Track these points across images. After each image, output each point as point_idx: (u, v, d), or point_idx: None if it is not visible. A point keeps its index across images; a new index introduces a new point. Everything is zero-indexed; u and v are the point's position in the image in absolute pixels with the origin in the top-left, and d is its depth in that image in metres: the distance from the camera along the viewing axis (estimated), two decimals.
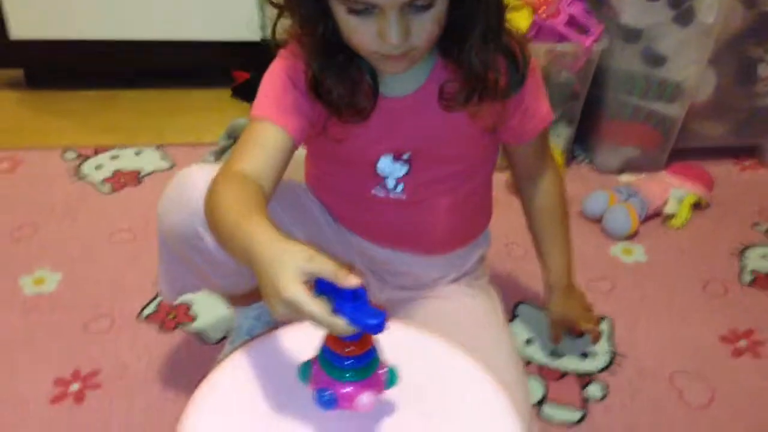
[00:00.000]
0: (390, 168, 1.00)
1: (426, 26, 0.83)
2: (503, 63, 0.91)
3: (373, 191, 1.02)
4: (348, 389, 0.70)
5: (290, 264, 0.65)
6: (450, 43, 0.89)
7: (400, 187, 1.01)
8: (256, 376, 0.77)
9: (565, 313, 1.19)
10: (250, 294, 1.12)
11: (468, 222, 1.11)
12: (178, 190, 0.96)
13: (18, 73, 2.03)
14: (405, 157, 0.98)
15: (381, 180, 1.01)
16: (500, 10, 0.88)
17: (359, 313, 0.64)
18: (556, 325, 1.21)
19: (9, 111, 1.95)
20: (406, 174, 1.00)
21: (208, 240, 0.93)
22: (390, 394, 0.74)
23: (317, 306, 0.63)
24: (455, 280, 1.13)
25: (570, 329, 1.22)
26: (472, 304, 1.11)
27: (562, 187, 1.14)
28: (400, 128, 0.97)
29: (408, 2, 0.80)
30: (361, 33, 0.84)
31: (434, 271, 1.12)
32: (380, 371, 0.73)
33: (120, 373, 1.22)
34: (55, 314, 1.32)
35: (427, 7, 0.82)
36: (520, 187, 1.13)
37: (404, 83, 0.94)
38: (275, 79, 0.93)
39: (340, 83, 0.90)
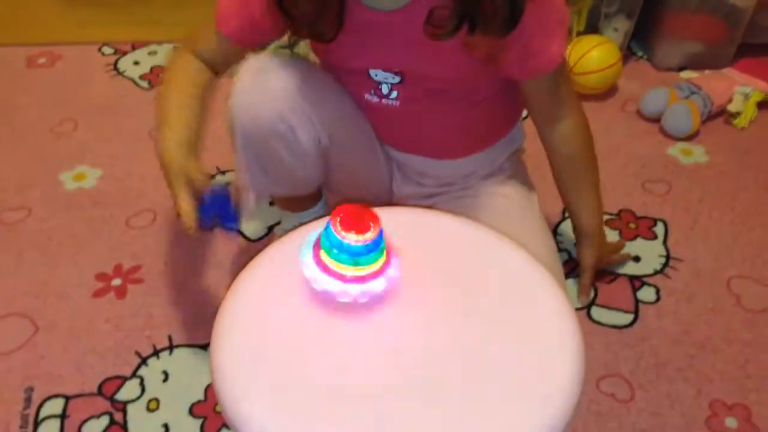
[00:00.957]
0: (383, 75, 0.95)
1: None
2: None
3: (366, 96, 0.98)
4: (346, 276, 0.69)
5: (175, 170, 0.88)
6: None
7: (394, 94, 0.96)
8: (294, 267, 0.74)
9: (596, 261, 1.13)
10: (309, 197, 1.11)
11: (476, 130, 1.04)
12: (254, 81, 0.92)
13: None
14: (395, 70, 0.94)
15: (375, 85, 0.96)
16: None
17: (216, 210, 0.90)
18: (588, 273, 1.14)
19: (44, 5, 1.90)
20: (399, 83, 0.95)
21: (294, 122, 0.92)
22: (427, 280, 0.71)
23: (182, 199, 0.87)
24: (487, 177, 1.09)
25: (601, 272, 1.18)
26: (504, 198, 1.07)
27: (586, 133, 1.04)
28: (385, 45, 0.91)
29: None
30: None
31: (458, 171, 1.08)
32: (386, 265, 0.71)
33: (161, 269, 1.21)
34: (97, 209, 1.31)
35: None
36: (540, 133, 1.04)
37: None
38: None
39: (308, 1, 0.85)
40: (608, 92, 1.59)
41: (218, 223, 0.93)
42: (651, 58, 1.70)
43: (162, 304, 1.15)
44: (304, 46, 1.01)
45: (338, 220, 0.69)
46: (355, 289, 0.70)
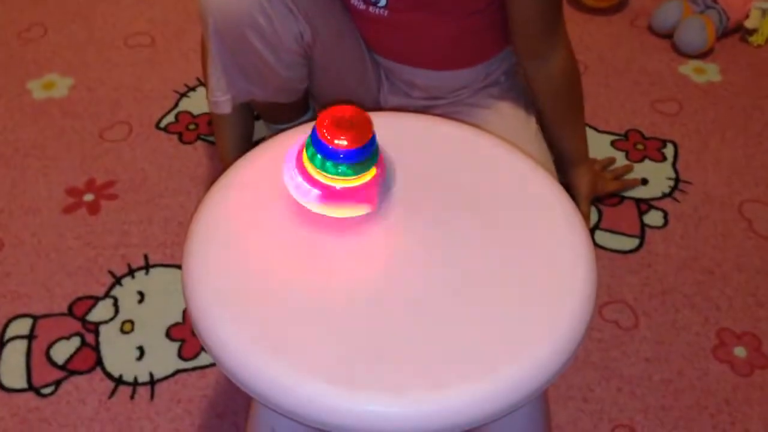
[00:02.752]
0: None
1: None
2: None
3: (353, 1, 0.90)
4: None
5: None
6: None
7: (382, 1, 0.88)
8: (265, 182, 0.67)
9: (590, 186, 1.05)
10: (295, 107, 1.03)
11: (469, 43, 0.96)
12: None
13: None
14: None
15: None
16: None
17: None
18: (584, 202, 1.05)
19: None
20: None
21: (273, 13, 0.84)
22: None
23: None
24: (480, 91, 1.01)
25: (600, 198, 1.11)
26: (497, 113, 0.99)
27: (575, 72, 0.96)
28: None
29: None
30: None
31: (449, 83, 1.00)
32: (379, 175, 0.63)
33: (137, 184, 1.13)
34: (68, 120, 1.22)
35: None
36: (525, 68, 0.95)
37: None
38: None
39: None
40: (618, 6, 1.49)
41: None
42: None
43: (138, 221, 1.08)
44: None
45: (325, 123, 0.61)
46: (344, 202, 0.63)
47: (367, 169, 0.63)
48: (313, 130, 0.62)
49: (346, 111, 0.62)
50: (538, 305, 0.59)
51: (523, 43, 0.93)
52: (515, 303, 0.59)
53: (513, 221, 0.66)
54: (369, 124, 0.62)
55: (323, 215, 0.63)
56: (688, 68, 1.38)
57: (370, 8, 0.90)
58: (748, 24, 1.42)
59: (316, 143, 0.61)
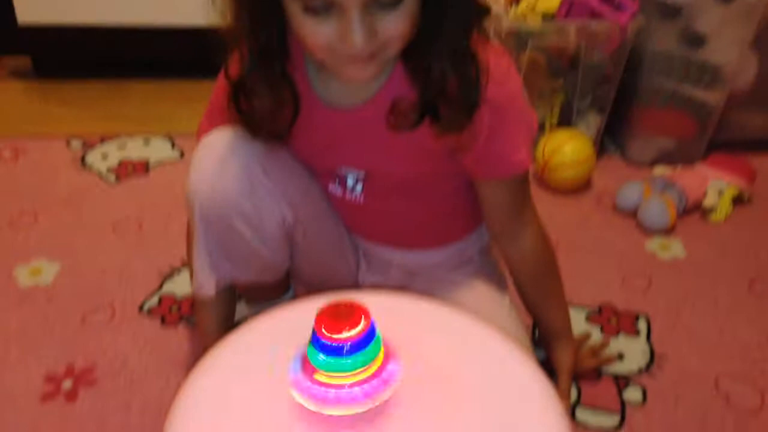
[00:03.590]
0: (346, 169, 0.93)
1: (395, 24, 0.73)
2: (456, 88, 0.80)
3: (330, 187, 0.96)
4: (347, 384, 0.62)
5: None
6: (414, 49, 0.79)
7: (359, 188, 0.94)
8: (247, 367, 0.68)
9: (572, 361, 1.07)
10: (276, 286, 1.06)
11: (443, 224, 1.02)
12: (216, 152, 0.89)
13: (25, 61, 1.96)
14: (359, 167, 0.92)
15: (340, 177, 0.94)
16: (470, 20, 0.78)
17: None
18: (565, 377, 1.06)
19: (14, 100, 1.87)
20: (364, 177, 0.93)
21: (258, 200, 0.88)
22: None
23: None
24: (455, 269, 1.05)
25: (581, 375, 1.12)
26: (471, 291, 1.03)
27: (547, 249, 1.01)
28: (348, 144, 0.90)
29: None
30: (320, 35, 0.73)
31: (425, 261, 1.04)
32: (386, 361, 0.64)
33: (117, 369, 1.13)
34: (51, 305, 1.24)
35: (394, 3, 0.72)
36: (499, 243, 1.00)
37: (353, 92, 0.86)
38: (218, 84, 0.91)
39: (266, 97, 0.83)
40: (583, 187, 1.58)
41: None
42: (624, 154, 1.70)
43: (116, 408, 1.06)
44: None
45: (323, 321, 0.62)
46: (358, 395, 0.62)
47: (374, 356, 0.63)
48: (313, 333, 0.62)
49: (342, 306, 0.63)
50: None
51: (495, 222, 0.98)
52: None
53: (490, 404, 0.67)
54: (368, 317, 0.63)
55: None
56: (653, 245, 1.44)
57: (347, 195, 0.95)
58: (707, 203, 1.51)
59: (317, 344, 0.62)
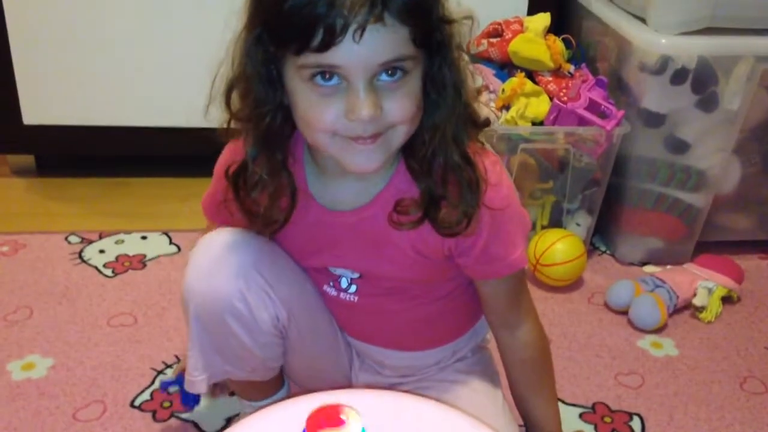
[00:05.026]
0: (342, 270, 0.95)
1: (400, 103, 0.77)
2: (456, 192, 0.83)
3: (324, 287, 0.98)
4: None
5: None
6: (415, 149, 0.83)
7: (353, 288, 0.96)
8: None
9: None
10: (270, 384, 1.06)
11: (437, 325, 1.03)
12: (211, 252, 0.91)
13: (29, 159, 2.00)
14: (354, 269, 0.94)
15: (334, 278, 0.96)
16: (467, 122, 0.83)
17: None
18: None
19: (17, 197, 1.91)
20: (359, 278, 0.95)
21: (252, 300, 0.89)
22: None
23: None
24: (448, 367, 1.06)
25: None
26: (465, 387, 1.03)
27: (544, 341, 1.02)
28: (344, 244, 0.92)
29: (378, 67, 0.74)
30: (326, 112, 0.76)
31: (419, 362, 1.05)
32: None
33: None
34: (43, 401, 1.23)
35: (398, 72, 0.76)
36: (495, 335, 1.02)
37: (352, 195, 0.89)
38: (217, 170, 0.95)
39: (266, 184, 0.85)
40: (574, 285, 1.60)
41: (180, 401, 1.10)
42: (614, 253, 1.73)
43: None
44: None
45: (313, 427, 0.62)
46: None
47: None
48: None
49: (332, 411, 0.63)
50: None
51: (494, 316, 1.00)
52: None
53: None
54: (358, 422, 0.63)
55: None
56: (645, 342, 1.45)
57: (341, 294, 0.97)
58: (697, 302, 1.52)
59: None
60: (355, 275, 0.95)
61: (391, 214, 0.86)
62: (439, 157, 0.82)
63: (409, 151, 0.84)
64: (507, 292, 0.96)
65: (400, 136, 0.80)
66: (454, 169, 0.82)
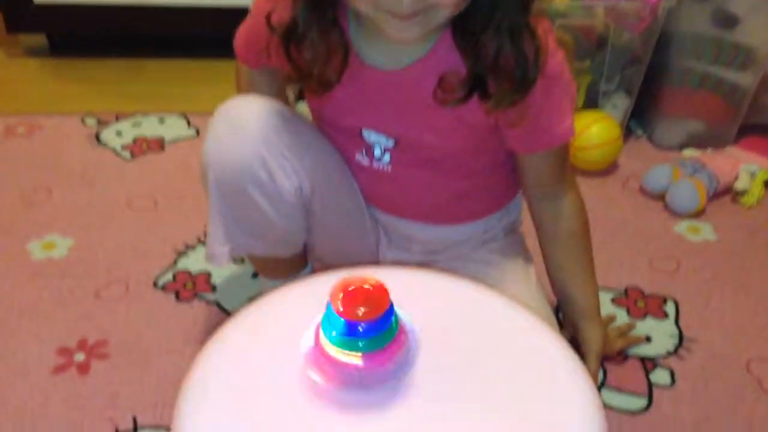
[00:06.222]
0: (375, 137, 0.90)
1: None
2: (511, 64, 0.77)
3: (357, 157, 0.92)
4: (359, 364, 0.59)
5: None
6: (466, 21, 0.77)
7: (386, 158, 0.91)
8: (260, 342, 0.66)
9: (602, 343, 1.01)
10: (293, 262, 1.02)
11: (470, 200, 0.98)
12: (231, 119, 0.86)
13: (41, 39, 1.94)
14: (389, 133, 0.89)
15: (367, 146, 0.91)
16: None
17: None
18: (593, 358, 1.00)
19: (29, 78, 1.85)
20: (393, 147, 0.89)
21: (274, 167, 0.85)
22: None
23: None
24: (479, 246, 1.02)
25: (608, 356, 1.07)
26: (496, 268, 1.00)
27: (584, 213, 0.98)
28: (380, 106, 0.86)
29: None
30: None
31: (448, 237, 1.01)
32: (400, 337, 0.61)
33: (130, 343, 1.10)
34: (65, 280, 1.22)
35: None
36: (533, 208, 0.97)
37: (395, 54, 0.83)
38: (258, 5, 0.88)
39: (318, 43, 0.80)
40: (609, 169, 1.54)
41: None
42: (651, 137, 1.66)
43: (128, 381, 1.04)
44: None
45: (339, 298, 0.58)
46: (369, 378, 0.60)
47: (389, 338, 0.60)
48: (328, 305, 0.59)
49: (360, 282, 0.60)
50: None
51: (537, 188, 0.96)
52: None
53: (516, 382, 0.63)
54: (386, 294, 0.60)
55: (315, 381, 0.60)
56: (682, 227, 1.40)
57: (374, 164, 0.92)
58: (738, 186, 1.46)
59: (331, 319, 0.59)
60: (390, 144, 0.89)
61: (435, 90, 0.81)
62: (496, 31, 0.76)
63: (457, 24, 0.78)
64: (553, 164, 0.92)
65: (442, 16, 0.75)
66: (513, 43, 0.76)
